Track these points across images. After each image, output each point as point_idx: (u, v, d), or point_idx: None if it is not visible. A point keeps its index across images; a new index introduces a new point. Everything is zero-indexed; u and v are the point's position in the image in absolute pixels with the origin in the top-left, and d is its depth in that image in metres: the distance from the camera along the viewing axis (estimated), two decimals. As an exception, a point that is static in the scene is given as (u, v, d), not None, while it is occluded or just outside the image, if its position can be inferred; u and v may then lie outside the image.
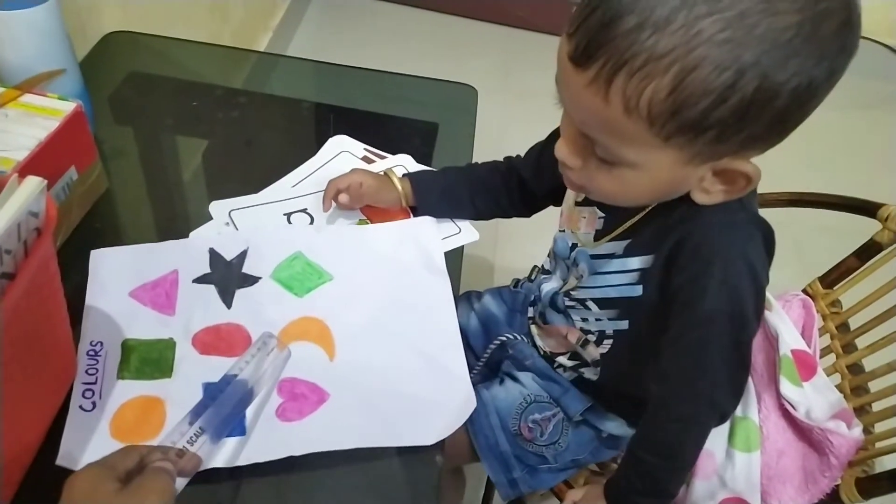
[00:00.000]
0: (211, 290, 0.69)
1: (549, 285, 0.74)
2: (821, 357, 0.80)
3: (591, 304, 0.66)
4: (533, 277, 0.82)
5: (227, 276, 0.71)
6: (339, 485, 0.59)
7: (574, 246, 0.68)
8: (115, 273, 0.69)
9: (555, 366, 0.76)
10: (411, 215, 0.79)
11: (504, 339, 0.79)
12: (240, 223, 0.77)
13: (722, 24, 0.42)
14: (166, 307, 0.67)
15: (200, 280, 0.70)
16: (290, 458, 0.57)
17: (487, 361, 0.80)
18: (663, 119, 0.46)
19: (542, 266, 0.79)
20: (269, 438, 0.59)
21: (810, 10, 0.43)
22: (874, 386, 0.78)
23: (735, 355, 0.57)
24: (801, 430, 0.71)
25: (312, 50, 2.00)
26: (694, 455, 0.62)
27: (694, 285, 0.55)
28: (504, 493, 0.77)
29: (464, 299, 0.87)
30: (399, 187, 0.76)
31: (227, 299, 0.69)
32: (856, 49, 0.46)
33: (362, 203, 0.77)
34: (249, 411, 0.60)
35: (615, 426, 0.75)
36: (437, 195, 0.77)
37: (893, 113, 2.11)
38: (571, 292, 0.69)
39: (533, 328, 0.79)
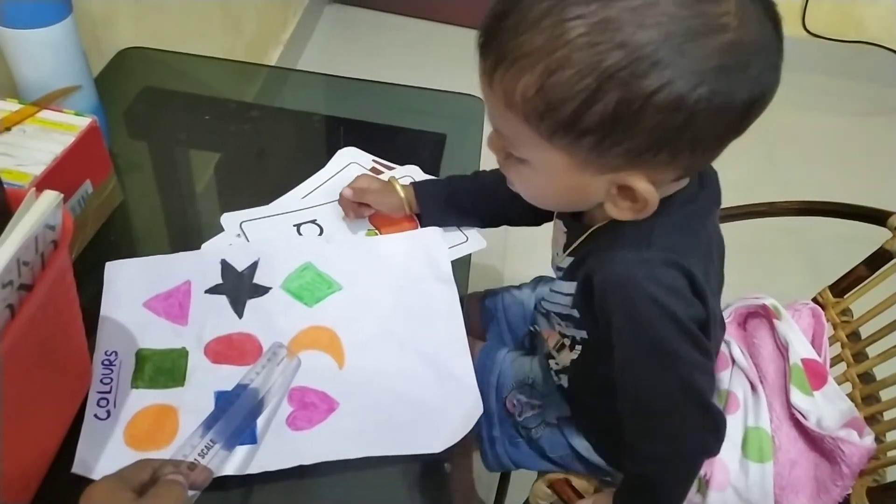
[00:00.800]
0: (223, 301, 0.70)
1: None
2: (831, 366, 0.80)
3: (552, 316, 0.67)
4: None
5: (239, 286, 0.72)
6: (347, 492, 0.59)
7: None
8: (129, 284, 0.70)
9: (550, 367, 0.76)
10: (418, 224, 0.79)
11: (533, 329, 0.81)
12: (251, 234, 0.78)
13: (585, 28, 0.42)
14: (179, 317, 0.68)
15: (212, 290, 0.71)
16: (300, 465, 0.58)
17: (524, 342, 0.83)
18: (537, 116, 0.46)
19: None
20: (279, 447, 0.59)
21: (680, 24, 0.42)
22: (885, 395, 0.77)
23: (684, 396, 0.54)
24: (813, 440, 0.71)
25: (322, 63, 2.02)
26: (682, 486, 0.61)
27: (610, 328, 0.54)
28: (487, 459, 0.77)
29: (535, 280, 0.90)
30: (401, 193, 0.77)
31: (239, 309, 0.70)
32: (744, 75, 0.44)
33: (364, 199, 0.77)
34: (260, 420, 0.60)
35: (584, 448, 0.73)
36: (442, 204, 0.78)
37: (905, 120, 2.10)
38: (543, 301, 0.70)
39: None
